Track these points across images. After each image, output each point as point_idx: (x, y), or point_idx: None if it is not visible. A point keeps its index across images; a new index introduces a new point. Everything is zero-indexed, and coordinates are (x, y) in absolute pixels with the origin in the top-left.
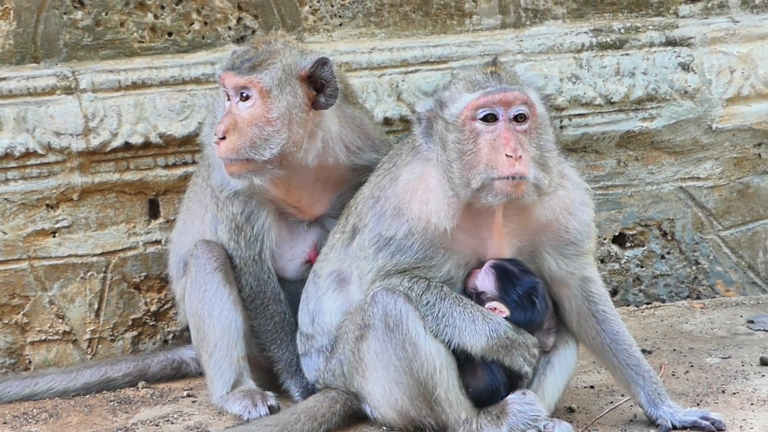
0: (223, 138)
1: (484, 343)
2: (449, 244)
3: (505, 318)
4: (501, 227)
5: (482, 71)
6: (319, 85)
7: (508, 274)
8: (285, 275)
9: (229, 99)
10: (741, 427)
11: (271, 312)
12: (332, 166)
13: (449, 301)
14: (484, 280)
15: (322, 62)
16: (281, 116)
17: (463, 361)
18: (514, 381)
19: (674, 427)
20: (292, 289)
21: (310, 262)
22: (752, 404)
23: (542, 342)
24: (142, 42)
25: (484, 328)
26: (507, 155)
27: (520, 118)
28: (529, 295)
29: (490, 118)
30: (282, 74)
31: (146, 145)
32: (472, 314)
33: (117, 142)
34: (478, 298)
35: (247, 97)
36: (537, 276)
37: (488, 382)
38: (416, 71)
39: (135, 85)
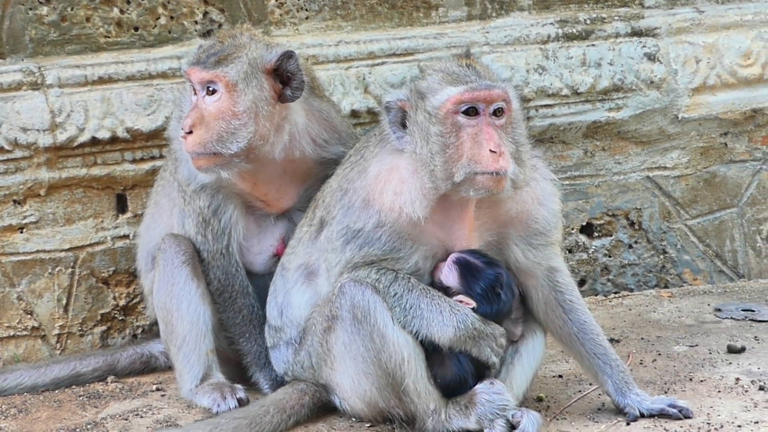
0: (190, 132)
1: (452, 334)
2: (418, 235)
3: (472, 309)
4: (472, 220)
5: (458, 63)
6: (285, 78)
7: (471, 268)
8: (253, 269)
9: (195, 93)
10: (708, 414)
11: (239, 305)
12: (299, 159)
13: (416, 292)
14: (448, 276)
15: (288, 55)
16: (248, 110)
17: (431, 351)
18: (481, 371)
19: (642, 415)
20: (260, 282)
21: (277, 256)
22: (719, 391)
23: (510, 332)
24: (109, 37)
25: (452, 319)
26: (491, 150)
27: (498, 113)
28: (494, 288)
29: (472, 112)
30: (248, 68)
31: (113, 139)
32: (440, 305)
33: (84, 137)
34: (446, 290)
35: (214, 91)
36: (501, 266)
37: (456, 372)
38: (383, 64)
39: (102, 80)
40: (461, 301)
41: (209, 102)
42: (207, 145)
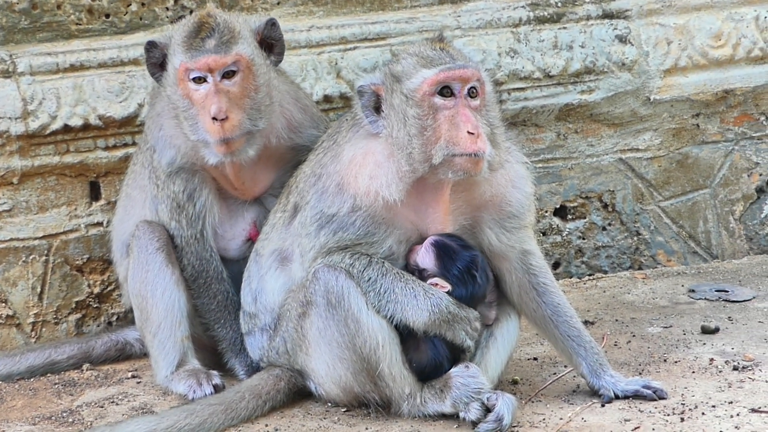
0: (224, 119)
1: (426, 318)
2: (392, 219)
3: (447, 293)
4: (447, 203)
5: (432, 47)
6: (268, 46)
7: (447, 250)
8: (227, 254)
9: (202, 82)
10: (682, 395)
11: (214, 291)
12: (274, 145)
13: (391, 276)
14: (425, 258)
15: (272, 22)
16: (265, 81)
17: (406, 336)
18: (456, 354)
19: (616, 397)
20: (235, 268)
21: (250, 240)
22: (693, 372)
23: (484, 315)
24: (80, 24)
25: (426, 303)
26: (469, 132)
27: (473, 93)
28: (469, 270)
29: (447, 93)
30: (251, 40)
31: (86, 127)
32: (414, 290)
33: (56, 125)
34: (420, 274)
35: (232, 73)
36: (476, 250)
37: (431, 356)
38: (355, 48)
39: (73, 68)
40: (436, 284)
41: (229, 84)
42: (242, 125)
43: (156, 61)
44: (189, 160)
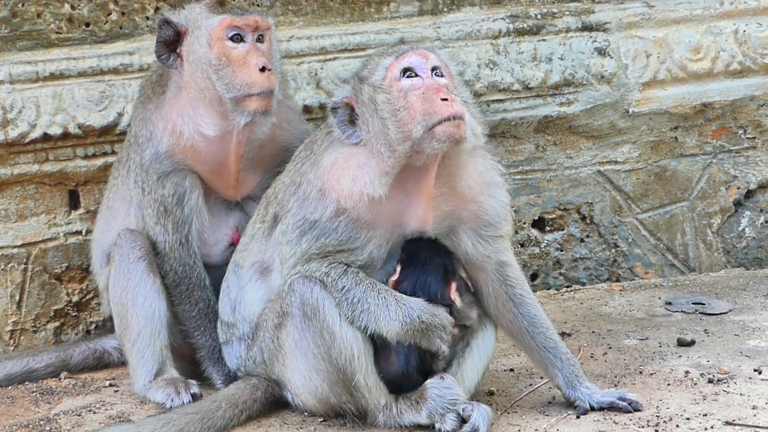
0: (270, 70)
1: (399, 328)
2: (374, 221)
3: (396, 278)
4: (431, 188)
5: (392, 46)
6: None
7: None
8: (210, 260)
9: (240, 41)
10: (657, 407)
11: (195, 298)
12: (277, 135)
13: (363, 286)
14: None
15: None
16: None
17: (380, 345)
18: (428, 365)
19: (592, 408)
20: (218, 274)
21: (233, 245)
22: (669, 384)
23: (465, 315)
24: (60, 33)
25: (397, 313)
26: (442, 99)
27: (438, 73)
28: (427, 246)
29: (412, 74)
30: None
31: (65, 135)
32: (386, 300)
33: (36, 134)
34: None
35: (262, 39)
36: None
37: (400, 366)
38: (335, 59)
39: (53, 76)
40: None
41: (262, 47)
42: (275, 86)
43: (167, 39)
44: (184, 154)
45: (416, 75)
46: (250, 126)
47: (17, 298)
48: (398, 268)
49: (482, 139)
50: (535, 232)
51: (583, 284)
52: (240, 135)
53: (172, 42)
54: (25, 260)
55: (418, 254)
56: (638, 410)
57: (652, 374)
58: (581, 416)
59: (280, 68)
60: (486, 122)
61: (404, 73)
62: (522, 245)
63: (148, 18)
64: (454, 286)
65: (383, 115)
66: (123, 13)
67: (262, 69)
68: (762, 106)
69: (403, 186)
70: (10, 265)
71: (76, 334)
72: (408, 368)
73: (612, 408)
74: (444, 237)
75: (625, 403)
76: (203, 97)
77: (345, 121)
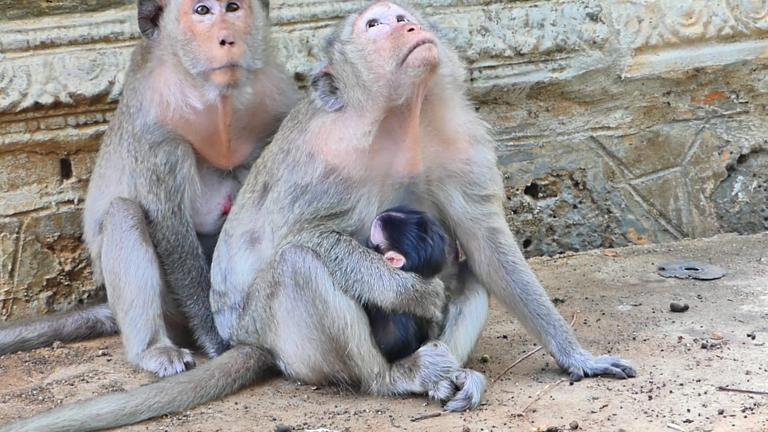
0: (231, 43)
1: (393, 297)
2: (364, 176)
3: (402, 265)
4: (417, 129)
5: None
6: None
7: (394, 222)
8: (203, 229)
9: (206, 12)
10: (651, 373)
11: (188, 267)
12: (268, 105)
13: (357, 256)
14: (375, 235)
15: None
16: (262, 25)
17: (375, 315)
18: (425, 331)
19: (586, 375)
20: (210, 243)
21: (226, 214)
22: (662, 350)
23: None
24: (50, 1)
25: (391, 283)
26: (409, 30)
27: (404, 20)
28: (418, 234)
29: (376, 23)
30: None
31: (56, 104)
32: (379, 269)
33: (27, 103)
34: (378, 251)
35: (236, 8)
36: (423, 212)
37: (399, 336)
38: (326, 26)
39: (44, 45)
40: (391, 259)
41: (233, 17)
42: (244, 56)
43: (148, 14)
44: (174, 124)
45: (382, 23)
46: (226, 98)
47: (9, 267)
48: (392, 255)
49: (462, 72)
50: (527, 199)
51: (576, 250)
52: (221, 106)
53: (155, 16)
54: (17, 229)
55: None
56: (632, 376)
57: (645, 340)
58: (575, 383)
59: (264, 36)
60: (476, 88)
61: (370, 25)
62: (515, 212)
63: None
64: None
65: (355, 63)
66: None
67: (222, 42)
68: (754, 70)
69: (388, 134)
70: (2, 235)
71: (69, 304)
72: (407, 337)
73: (606, 374)
74: (435, 191)
75: (618, 369)
76: (179, 71)
77: (326, 91)
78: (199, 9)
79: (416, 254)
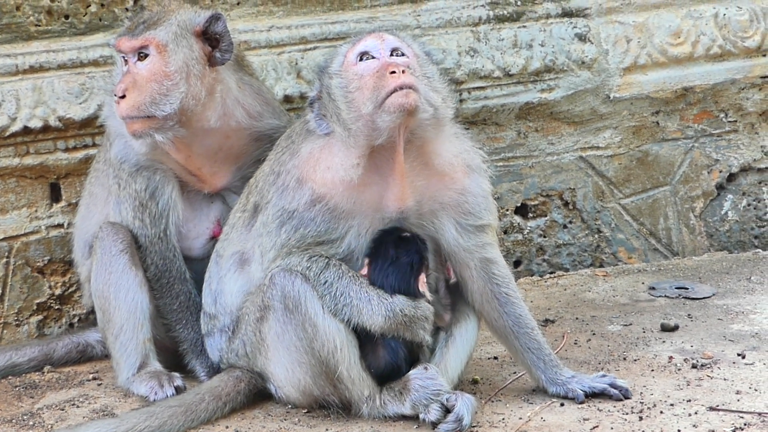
0: (123, 97)
1: (382, 322)
2: (353, 209)
3: (367, 272)
4: (402, 166)
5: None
6: (213, 41)
7: (377, 234)
8: (191, 254)
9: (126, 63)
10: (641, 393)
11: (176, 291)
12: (234, 131)
13: (346, 280)
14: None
15: (216, 17)
16: (179, 69)
17: (364, 339)
18: (415, 354)
19: (585, 394)
20: (199, 267)
21: (214, 238)
22: (653, 370)
23: (439, 316)
24: (39, 25)
25: (380, 308)
26: (391, 72)
27: (398, 53)
28: (394, 242)
29: (369, 57)
30: (177, 29)
31: (46, 128)
32: (368, 294)
33: (16, 127)
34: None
35: (145, 56)
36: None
37: (388, 360)
38: (315, 48)
39: (33, 69)
40: (367, 263)
41: (141, 67)
42: (141, 107)
43: None
44: (146, 153)
45: (373, 57)
46: (156, 143)
47: (0, 292)
48: (366, 262)
49: (448, 112)
50: (517, 219)
51: (567, 270)
52: (164, 146)
53: None
54: (7, 254)
55: (385, 250)
56: (628, 398)
57: (635, 360)
58: (565, 404)
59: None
60: (465, 109)
61: (361, 57)
62: (505, 232)
63: (127, 9)
64: (423, 277)
65: (336, 100)
66: (102, 5)
67: (123, 96)
68: (743, 89)
69: (376, 169)
70: None
71: (59, 328)
72: (397, 360)
73: (603, 394)
74: (427, 224)
75: (616, 391)
76: None
77: (320, 114)
78: (123, 59)
79: (383, 262)
